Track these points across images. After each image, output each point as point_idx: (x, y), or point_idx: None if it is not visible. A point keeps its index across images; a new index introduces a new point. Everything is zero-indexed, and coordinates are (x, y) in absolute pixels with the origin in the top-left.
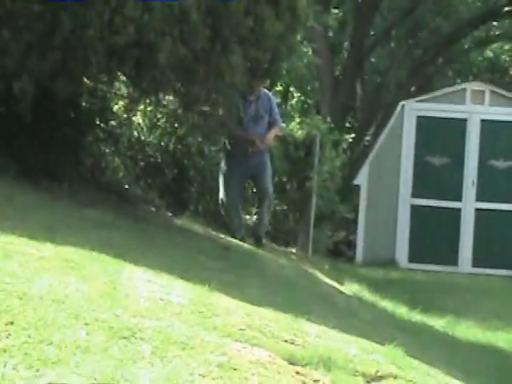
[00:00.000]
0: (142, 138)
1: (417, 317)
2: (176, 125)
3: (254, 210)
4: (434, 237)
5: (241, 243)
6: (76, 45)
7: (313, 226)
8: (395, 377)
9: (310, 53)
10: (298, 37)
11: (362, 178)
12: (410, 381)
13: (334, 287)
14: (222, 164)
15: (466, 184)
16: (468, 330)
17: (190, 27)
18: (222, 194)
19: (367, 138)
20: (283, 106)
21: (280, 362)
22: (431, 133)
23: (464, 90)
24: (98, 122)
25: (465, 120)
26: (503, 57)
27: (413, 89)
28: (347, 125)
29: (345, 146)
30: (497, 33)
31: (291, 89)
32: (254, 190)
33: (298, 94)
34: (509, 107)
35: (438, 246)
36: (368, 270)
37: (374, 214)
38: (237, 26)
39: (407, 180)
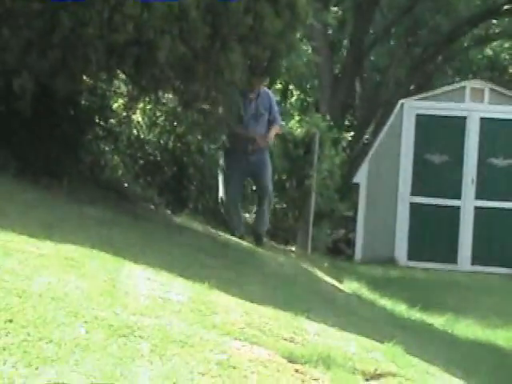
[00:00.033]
0: (142, 136)
1: (416, 315)
2: (175, 123)
3: (254, 209)
4: (433, 235)
5: (240, 241)
6: (76, 43)
7: (312, 224)
8: (394, 375)
9: (310, 51)
10: (298, 35)
11: (361, 176)
12: (409, 379)
13: (333, 285)
14: (222, 162)
15: (466, 182)
16: (467, 328)
17: (189, 25)
18: (221, 192)
19: (366, 136)
20: (282, 104)
21: (279, 360)
22: (430, 131)
23: (463, 88)
24: (97, 120)
25: (464, 118)
26: (503, 55)
27: (412, 87)
28: (346, 123)
29: (344, 144)
30: (496, 31)
31: (290, 87)
32: (254, 188)
33: (298, 92)
34: (508, 105)
35: (438, 244)
36: (367, 268)
37: (373, 212)
38: (236, 23)
39: (406, 178)
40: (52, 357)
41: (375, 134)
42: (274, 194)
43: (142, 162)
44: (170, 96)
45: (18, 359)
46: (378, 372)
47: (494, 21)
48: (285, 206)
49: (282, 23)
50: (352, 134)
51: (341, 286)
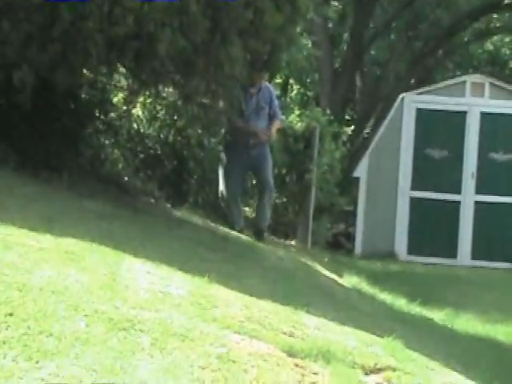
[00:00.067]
0: (142, 129)
1: (416, 309)
2: (175, 117)
3: (256, 203)
4: (433, 229)
5: (240, 235)
6: (76, 36)
7: (312, 218)
8: (394, 369)
9: (310, 45)
10: (298, 29)
11: (361, 171)
12: (409, 373)
13: (333, 279)
14: (223, 156)
15: (466, 177)
16: (467, 323)
17: (189, 19)
18: (221, 186)
19: (367, 130)
20: (283, 99)
21: (279, 354)
22: (431, 125)
23: (464, 82)
24: (97, 114)
25: (464, 113)
26: (503, 49)
27: (412, 81)
28: (347, 117)
29: (344, 138)
30: (497, 25)
31: (291, 81)
32: (254, 182)
33: (298, 87)
34: (509, 100)
35: (438, 239)
36: (367, 263)
37: (373, 206)
38: (236, 17)
39: (406, 172)
40: (52, 350)
41: (375, 128)
42: (274, 189)
43: (142, 155)
44: (170, 90)
45: (19, 353)
46: (377, 366)
47: (495, 15)
48: (285, 200)
49: (282, 17)
50: (352, 128)
51: (340, 281)
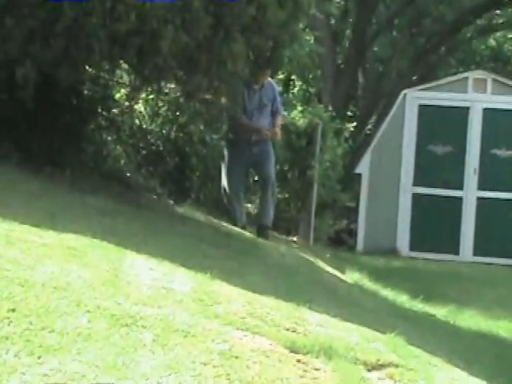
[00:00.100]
0: (144, 126)
1: (418, 305)
2: (178, 113)
3: (258, 199)
4: (435, 225)
5: (242, 231)
6: (78, 32)
7: (314, 214)
8: (396, 365)
9: (312, 41)
10: (301, 25)
11: (363, 167)
12: (411, 369)
13: (335, 276)
14: (225, 152)
15: (468, 173)
16: (470, 319)
17: (192, 15)
18: (224, 183)
19: (369, 126)
20: (285, 95)
21: (281, 350)
22: (433, 121)
23: (466, 78)
24: (100, 110)
25: (467, 109)
26: (506, 46)
27: (415, 78)
28: (349, 113)
29: (346, 134)
30: (500, 21)
31: (293, 77)
32: (256, 179)
33: (300, 83)
34: (511, 96)
35: (440, 235)
36: (369, 259)
37: (375, 202)
38: (239, 14)
39: (409, 169)
40: (54, 346)
41: (378, 124)
42: (276, 185)
43: (144, 151)
44: (173, 86)
45: (21, 348)
46: (379, 362)
47: (498, 11)
48: (287, 196)
49: (284, 13)
50: (354, 124)
51: (343, 277)
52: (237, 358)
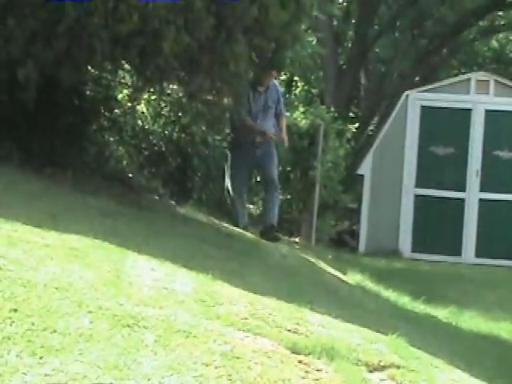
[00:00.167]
0: (146, 126)
1: (420, 307)
2: (180, 114)
3: (261, 200)
4: (437, 227)
5: (244, 232)
6: (80, 33)
7: (316, 215)
8: (398, 366)
9: (315, 42)
10: (303, 26)
11: (365, 168)
12: (413, 370)
13: (337, 277)
14: (229, 154)
15: (470, 174)
16: (471, 321)
17: (194, 16)
18: (227, 184)
19: (371, 127)
20: (287, 96)
21: (283, 351)
22: (435, 123)
23: (469, 80)
24: (102, 111)
25: (469, 110)
26: (508, 47)
27: (417, 79)
28: (351, 114)
29: (349, 135)
30: (502, 23)
31: (295, 78)
32: (259, 180)
33: (302, 84)
34: None
35: (442, 236)
36: (371, 260)
37: (377, 203)
38: (241, 14)
39: (411, 170)
40: (56, 346)
41: (380, 125)
42: (279, 187)
43: (146, 152)
44: (175, 87)
45: (23, 348)
46: (381, 364)
47: (500, 12)
48: (289, 197)
49: (287, 14)
50: (356, 125)
51: (344, 278)
52: (238, 358)
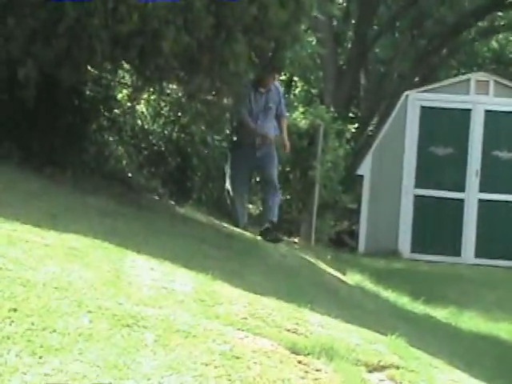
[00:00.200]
0: (146, 126)
1: (419, 307)
2: (179, 113)
3: (260, 201)
4: (436, 227)
5: (243, 232)
6: (80, 33)
7: (315, 215)
8: (397, 367)
9: (314, 42)
10: (302, 26)
11: (365, 168)
12: (412, 371)
13: (336, 277)
14: (229, 155)
15: (470, 175)
16: (470, 321)
17: (193, 15)
18: (228, 184)
19: (370, 128)
20: (286, 96)
21: (282, 351)
22: (435, 123)
23: (468, 80)
24: (101, 111)
25: (469, 110)
26: (508, 48)
27: (416, 79)
28: (351, 115)
29: (348, 135)
30: (502, 23)
31: (295, 78)
32: (258, 180)
33: (302, 84)
34: None
35: (441, 237)
36: (370, 260)
37: (376, 204)
38: (241, 14)
39: (410, 170)
40: (56, 346)
41: (379, 126)
42: (279, 187)
43: (146, 152)
44: (175, 87)
45: (22, 348)
46: (381, 364)
47: (500, 13)
48: (288, 197)
49: (286, 14)
50: (356, 125)
51: (344, 278)
52: (238, 358)
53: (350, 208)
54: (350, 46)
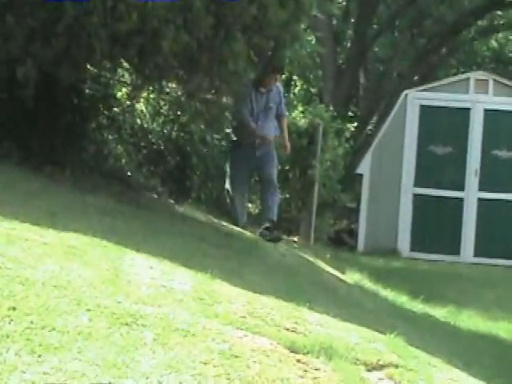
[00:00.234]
0: (145, 125)
1: (418, 306)
2: (179, 112)
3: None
4: (436, 226)
5: (243, 231)
6: (79, 32)
7: (315, 214)
8: (396, 366)
9: (314, 41)
10: (302, 25)
11: (364, 167)
12: (411, 370)
13: (335, 276)
14: (230, 154)
15: (469, 174)
16: (469, 320)
17: (193, 14)
18: (228, 183)
19: (370, 127)
20: (286, 95)
21: (281, 350)
22: (434, 122)
23: (467, 79)
24: (101, 109)
25: (468, 109)
26: (507, 47)
27: (416, 78)
28: (350, 114)
29: (347, 134)
30: (501, 22)
31: (294, 77)
32: (257, 179)
33: (301, 83)
34: None
35: (440, 236)
36: (370, 259)
37: (376, 202)
38: (240, 13)
39: (410, 169)
40: (55, 345)
41: (379, 124)
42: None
43: (145, 151)
44: (174, 85)
45: (21, 347)
46: (379, 363)
47: (499, 12)
48: (288, 196)
49: (286, 13)
50: (355, 124)
51: (343, 277)
52: (237, 357)
53: (350, 207)
54: (349, 44)
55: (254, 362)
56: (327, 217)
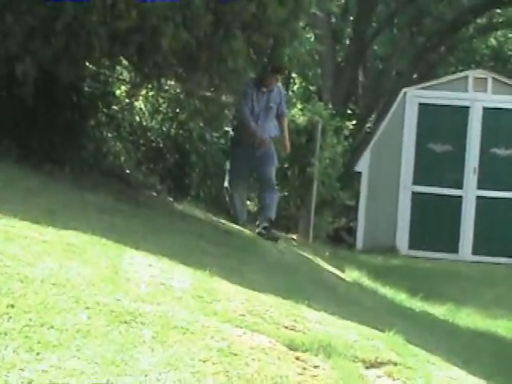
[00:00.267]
0: (144, 122)
1: (417, 304)
2: (178, 110)
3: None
4: (434, 224)
5: (242, 229)
6: (79, 29)
7: (314, 212)
8: (395, 363)
9: (313, 39)
10: (301, 23)
11: (363, 165)
12: (410, 367)
13: (334, 274)
14: (230, 152)
15: (468, 172)
16: (468, 318)
17: (192, 12)
18: (227, 182)
19: (369, 124)
20: (285, 93)
21: (280, 347)
22: (433, 120)
23: (466, 77)
24: (100, 107)
25: (467, 108)
26: (506, 45)
27: (415, 76)
28: (349, 111)
29: (346, 132)
30: (500, 20)
31: (293, 75)
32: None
33: (300, 80)
34: (511, 95)
35: (439, 234)
36: (368, 257)
37: (374, 200)
38: (239, 11)
39: (408, 167)
40: (53, 342)
41: (377, 122)
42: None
43: (144, 148)
44: (173, 83)
45: (20, 344)
46: (378, 360)
47: (498, 10)
48: (286, 194)
49: (285, 11)
50: (354, 122)
51: (342, 275)
52: (236, 355)
53: (348, 205)
54: (348, 42)
55: (253, 359)
56: (326, 215)
